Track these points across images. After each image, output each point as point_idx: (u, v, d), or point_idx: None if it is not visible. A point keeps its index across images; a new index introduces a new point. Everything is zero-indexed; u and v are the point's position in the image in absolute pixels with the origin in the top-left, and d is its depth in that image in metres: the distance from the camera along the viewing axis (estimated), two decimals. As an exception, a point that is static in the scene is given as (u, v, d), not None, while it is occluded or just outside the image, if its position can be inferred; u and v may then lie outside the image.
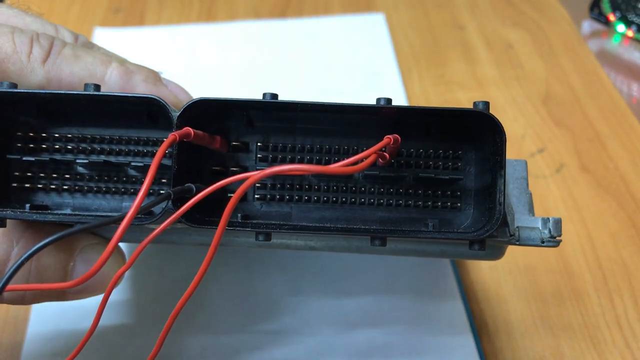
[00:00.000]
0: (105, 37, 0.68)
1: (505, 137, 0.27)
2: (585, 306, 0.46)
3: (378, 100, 0.28)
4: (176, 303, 0.24)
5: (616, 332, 0.44)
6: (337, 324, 0.43)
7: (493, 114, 0.27)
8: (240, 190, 0.22)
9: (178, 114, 0.27)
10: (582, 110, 0.60)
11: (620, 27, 0.68)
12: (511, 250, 0.49)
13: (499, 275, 0.47)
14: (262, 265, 0.46)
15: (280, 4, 0.74)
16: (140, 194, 0.23)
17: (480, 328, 0.44)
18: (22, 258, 0.22)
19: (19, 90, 0.28)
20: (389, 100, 0.28)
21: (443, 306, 0.44)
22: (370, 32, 0.70)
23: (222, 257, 0.44)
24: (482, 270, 0.48)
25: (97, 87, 0.29)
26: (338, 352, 0.41)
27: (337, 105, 0.28)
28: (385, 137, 0.26)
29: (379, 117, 0.29)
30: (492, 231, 0.27)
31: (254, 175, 0.23)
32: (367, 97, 0.67)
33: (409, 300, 0.44)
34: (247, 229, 0.28)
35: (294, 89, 0.63)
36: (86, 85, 0.29)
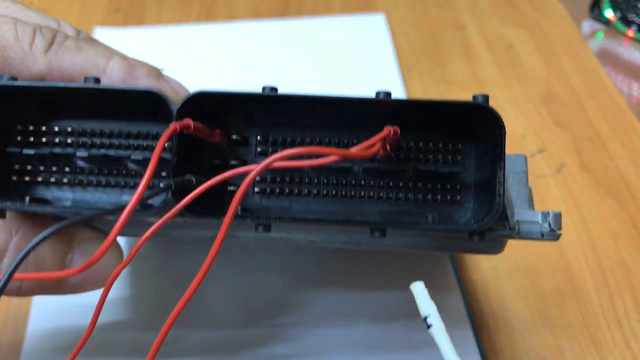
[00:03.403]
0: (105, 37, 0.68)
1: (505, 130, 0.27)
2: (586, 306, 0.46)
3: (377, 93, 0.28)
4: (176, 302, 0.24)
5: (617, 332, 0.44)
6: (336, 319, 0.43)
7: (492, 106, 0.27)
8: (251, 176, 0.22)
9: (178, 106, 0.28)
10: (582, 110, 0.60)
11: (608, 12, 0.68)
12: (511, 250, 0.49)
13: (499, 275, 0.47)
14: (261, 265, 0.46)
15: (280, 4, 0.74)
16: (143, 181, 0.23)
17: (480, 328, 0.44)
18: (28, 247, 0.22)
19: (18, 84, 0.28)
20: (388, 94, 0.28)
21: (444, 306, 0.44)
22: (371, 32, 0.70)
23: (221, 259, 0.44)
24: (482, 270, 0.48)
25: (97, 80, 0.29)
26: (338, 346, 0.42)
27: (337, 98, 0.28)
28: (385, 127, 0.26)
29: (379, 110, 0.29)
30: (492, 222, 0.27)
31: (264, 162, 0.22)
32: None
33: (408, 299, 0.44)
34: (247, 220, 0.28)
35: (294, 89, 0.63)
36: (86, 79, 0.29)
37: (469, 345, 0.42)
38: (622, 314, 0.45)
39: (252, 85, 0.72)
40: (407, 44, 0.69)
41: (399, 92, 0.62)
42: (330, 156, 0.23)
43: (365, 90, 0.64)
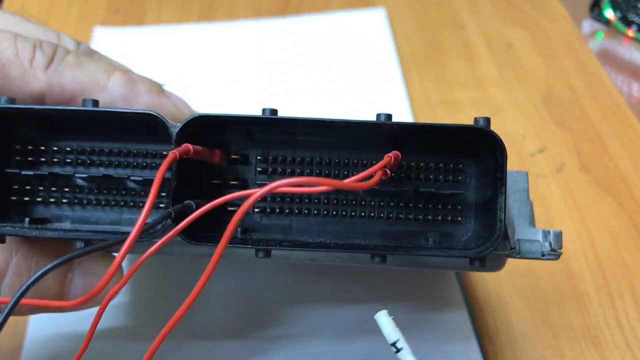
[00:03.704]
0: (105, 37, 0.68)
1: (506, 154, 0.27)
2: (586, 306, 0.46)
3: (378, 116, 0.28)
4: (175, 305, 0.24)
5: (617, 332, 0.44)
6: (337, 330, 0.43)
7: (494, 130, 0.27)
8: (242, 210, 0.22)
9: (177, 130, 0.27)
10: (582, 110, 0.60)
11: (608, 12, 0.68)
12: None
13: (499, 276, 0.47)
14: (261, 271, 0.46)
15: (280, 3, 0.74)
16: (142, 216, 0.23)
17: (480, 328, 0.44)
18: (30, 281, 0.22)
19: (16, 106, 0.28)
20: (389, 116, 0.28)
21: (446, 308, 0.44)
22: (371, 26, 0.70)
23: (221, 263, 0.44)
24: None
25: (95, 102, 0.28)
26: (339, 359, 0.41)
27: (337, 122, 0.28)
28: (386, 156, 0.26)
29: (380, 132, 0.29)
30: (493, 249, 0.27)
31: (257, 192, 0.22)
32: (369, 96, 0.67)
33: (410, 302, 0.44)
34: (247, 247, 0.28)
35: (295, 88, 0.63)
36: (84, 101, 0.28)
37: (469, 345, 0.42)
38: (622, 315, 0.45)
39: (252, 85, 0.72)
40: (406, 43, 0.69)
41: (399, 89, 0.62)
42: (322, 186, 0.23)
43: (366, 87, 0.64)
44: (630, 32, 0.68)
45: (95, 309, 0.26)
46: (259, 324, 0.43)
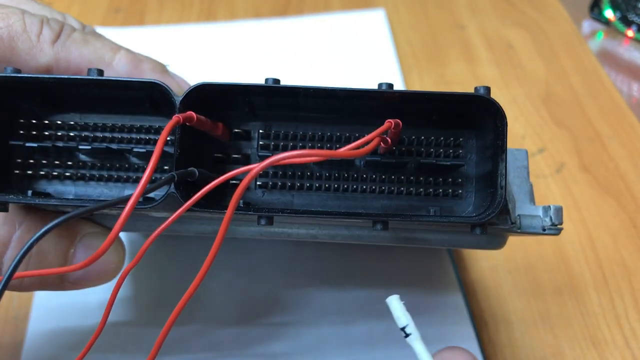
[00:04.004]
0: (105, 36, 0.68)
1: (507, 121, 0.27)
2: (586, 306, 0.46)
3: (380, 85, 0.28)
4: (176, 302, 0.24)
5: (616, 331, 0.44)
6: (336, 317, 0.43)
7: (494, 98, 0.27)
8: (248, 177, 0.22)
9: (181, 98, 0.28)
10: (582, 110, 0.60)
11: (608, 12, 0.68)
12: (511, 250, 0.49)
13: (499, 275, 0.47)
14: (261, 264, 0.46)
15: (280, 4, 0.74)
16: (148, 169, 0.23)
17: (480, 328, 0.44)
18: (31, 241, 0.22)
19: (22, 75, 0.28)
20: (390, 85, 0.28)
21: (445, 305, 0.44)
22: (371, 27, 0.70)
23: (222, 256, 0.44)
24: (482, 270, 0.48)
25: (101, 71, 0.29)
26: (337, 345, 0.42)
27: (339, 90, 0.28)
28: (387, 121, 0.26)
29: (381, 103, 0.29)
30: (494, 215, 0.27)
31: (261, 164, 0.23)
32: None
33: (408, 299, 0.44)
34: (250, 213, 0.28)
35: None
36: (89, 70, 0.29)
37: (469, 344, 0.42)
38: (622, 314, 0.45)
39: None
40: (407, 44, 0.69)
41: (399, 88, 0.62)
42: (313, 157, 0.23)
43: (367, 86, 0.64)
44: (630, 32, 0.68)
45: (96, 302, 0.26)
46: (260, 313, 0.44)
